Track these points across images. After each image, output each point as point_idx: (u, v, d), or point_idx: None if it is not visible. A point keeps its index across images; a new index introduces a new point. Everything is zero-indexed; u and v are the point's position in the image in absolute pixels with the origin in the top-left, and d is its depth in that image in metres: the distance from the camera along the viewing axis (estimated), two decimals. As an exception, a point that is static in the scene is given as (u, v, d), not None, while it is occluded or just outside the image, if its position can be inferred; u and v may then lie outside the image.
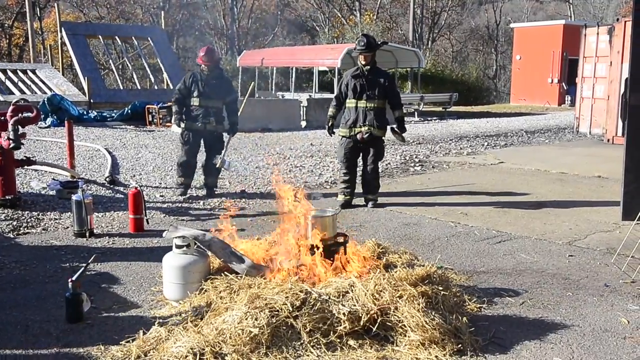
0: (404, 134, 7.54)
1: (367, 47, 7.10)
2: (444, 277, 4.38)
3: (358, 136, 7.21)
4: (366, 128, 7.17)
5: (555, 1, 51.02)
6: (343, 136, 7.37)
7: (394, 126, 7.45)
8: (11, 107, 7.17)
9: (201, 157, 8.05)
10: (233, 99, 8.00)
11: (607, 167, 10.19)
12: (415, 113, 22.31)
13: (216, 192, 8.09)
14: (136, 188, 6.41)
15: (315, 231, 4.47)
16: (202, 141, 7.88)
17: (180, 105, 7.81)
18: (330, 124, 7.50)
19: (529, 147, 14.19)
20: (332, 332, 3.55)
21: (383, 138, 7.41)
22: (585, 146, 13.86)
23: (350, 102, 7.29)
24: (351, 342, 3.54)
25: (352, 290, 3.78)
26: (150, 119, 17.57)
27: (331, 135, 7.70)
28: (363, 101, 7.20)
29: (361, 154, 7.44)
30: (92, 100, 20.39)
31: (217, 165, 7.83)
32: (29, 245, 5.79)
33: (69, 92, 20.68)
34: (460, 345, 3.56)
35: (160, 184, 8.83)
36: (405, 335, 3.56)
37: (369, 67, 7.19)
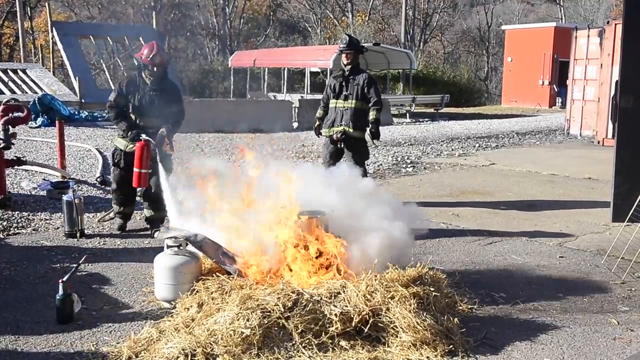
0: (374, 140, 7.24)
1: (348, 45, 7.11)
2: (436, 278, 4.39)
3: (334, 136, 7.19)
4: (341, 128, 7.14)
5: (546, 3, 51.23)
6: (325, 136, 7.37)
7: (369, 128, 7.31)
8: (1, 107, 7.14)
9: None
10: (177, 112, 6.12)
11: (598, 168, 10.25)
12: (407, 114, 22.35)
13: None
14: (144, 140, 5.72)
15: (306, 232, 4.45)
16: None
17: (122, 120, 5.98)
18: (317, 125, 7.50)
19: (520, 148, 14.24)
20: (323, 333, 3.56)
21: (365, 139, 7.33)
22: (576, 148, 13.93)
23: (331, 102, 7.29)
24: (343, 342, 3.55)
25: (343, 291, 3.78)
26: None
27: (318, 136, 7.68)
28: (341, 101, 7.19)
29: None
30: (83, 100, 20.29)
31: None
32: (19, 245, 5.75)
33: (60, 92, 20.58)
34: (451, 346, 3.58)
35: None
36: (397, 336, 3.57)
37: (350, 67, 7.18)
